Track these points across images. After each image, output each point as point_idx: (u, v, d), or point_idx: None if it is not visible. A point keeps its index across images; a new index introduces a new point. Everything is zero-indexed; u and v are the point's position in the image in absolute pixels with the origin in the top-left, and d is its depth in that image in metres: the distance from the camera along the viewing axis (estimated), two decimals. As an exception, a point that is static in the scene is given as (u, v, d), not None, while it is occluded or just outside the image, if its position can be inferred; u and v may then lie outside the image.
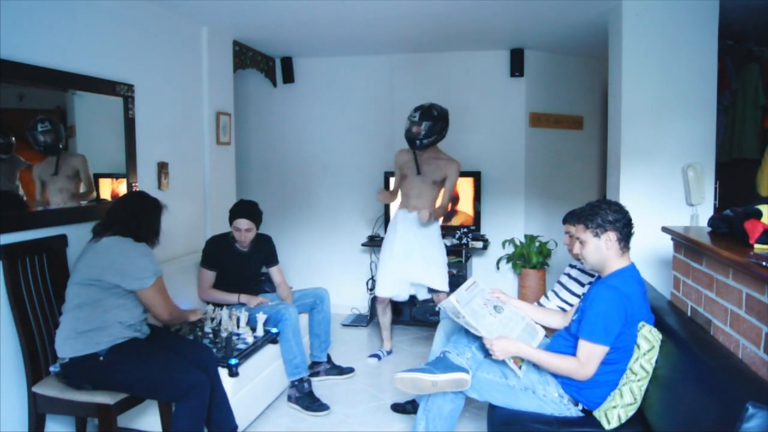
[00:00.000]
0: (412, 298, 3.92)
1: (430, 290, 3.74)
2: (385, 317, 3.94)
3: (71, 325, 2.24)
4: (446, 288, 3.67)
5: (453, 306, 2.17)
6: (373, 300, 4.70)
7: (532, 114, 4.69)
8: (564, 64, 4.81)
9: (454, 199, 4.62)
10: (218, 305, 3.18)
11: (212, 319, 3.04)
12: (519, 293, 4.53)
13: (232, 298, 3.22)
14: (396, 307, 4.36)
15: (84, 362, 2.22)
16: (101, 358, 2.22)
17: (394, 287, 3.72)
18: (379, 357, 3.87)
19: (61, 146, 2.75)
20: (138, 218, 2.37)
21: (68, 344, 2.23)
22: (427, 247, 3.68)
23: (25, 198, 2.57)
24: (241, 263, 3.31)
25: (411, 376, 2.14)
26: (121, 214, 2.36)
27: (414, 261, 3.65)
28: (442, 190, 3.72)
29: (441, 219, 3.86)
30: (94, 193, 2.95)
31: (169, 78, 3.47)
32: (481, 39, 4.30)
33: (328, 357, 3.56)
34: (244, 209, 3.24)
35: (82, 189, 2.87)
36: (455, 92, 4.71)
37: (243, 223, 3.18)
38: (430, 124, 3.55)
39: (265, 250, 3.42)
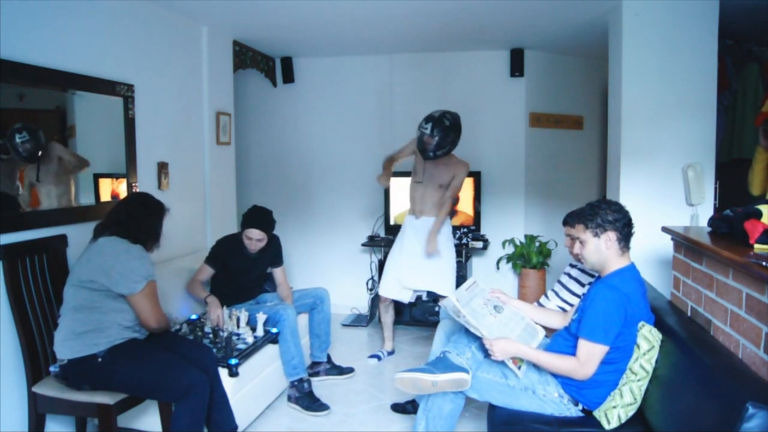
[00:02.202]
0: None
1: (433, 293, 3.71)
2: (387, 316, 3.94)
3: (69, 326, 2.24)
4: (451, 294, 3.62)
5: (453, 305, 2.17)
6: (374, 299, 4.71)
7: (532, 114, 4.69)
8: (564, 64, 4.81)
9: (454, 199, 4.62)
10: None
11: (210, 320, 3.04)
12: (519, 293, 4.53)
13: (203, 295, 3.16)
14: (396, 307, 4.36)
15: (82, 363, 2.21)
16: (100, 359, 2.22)
17: (396, 291, 3.72)
18: (379, 357, 3.87)
19: (40, 154, 2.66)
20: (138, 219, 2.35)
21: (66, 346, 2.23)
22: (434, 255, 3.59)
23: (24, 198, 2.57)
24: (248, 265, 3.30)
25: (411, 376, 2.14)
26: (121, 215, 2.35)
27: (419, 270, 3.61)
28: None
29: (449, 220, 3.78)
30: (87, 168, 2.89)
31: (169, 78, 3.47)
32: (481, 39, 4.30)
33: (328, 357, 3.56)
34: (258, 220, 3.16)
35: (72, 170, 2.81)
36: (455, 92, 4.71)
37: (255, 233, 3.14)
38: (442, 135, 3.43)
39: (272, 252, 3.40)
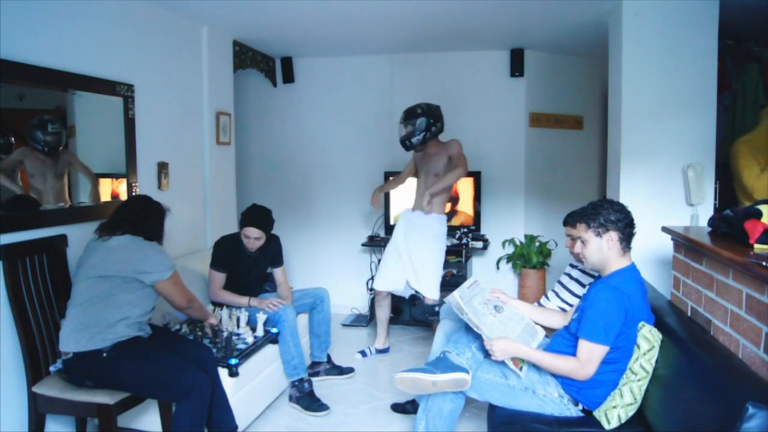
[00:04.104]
0: (413, 297, 3.92)
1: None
2: (381, 311, 3.96)
3: (79, 318, 2.26)
4: (435, 296, 3.61)
5: (457, 302, 2.18)
6: (374, 299, 4.71)
7: (532, 114, 4.69)
8: (564, 64, 4.81)
9: (454, 199, 4.62)
10: (218, 305, 3.18)
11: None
12: (519, 293, 4.53)
13: (242, 300, 3.18)
14: (396, 306, 4.36)
15: (87, 358, 2.23)
16: (104, 355, 2.23)
17: (392, 282, 3.77)
18: (364, 354, 3.91)
19: (61, 149, 2.74)
20: (143, 220, 2.41)
21: (73, 338, 2.24)
22: (422, 252, 3.65)
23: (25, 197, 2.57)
24: (248, 265, 3.29)
25: (411, 376, 2.14)
26: (128, 215, 2.40)
27: (408, 266, 3.69)
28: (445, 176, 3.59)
29: (444, 219, 3.75)
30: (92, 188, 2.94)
31: (169, 78, 3.47)
32: (481, 39, 4.30)
33: (328, 357, 3.56)
34: (257, 218, 3.16)
35: (81, 185, 2.86)
36: (455, 92, 4.71)
37: (253, 232, 3.14)
38: (415, 123, 3.59)
39: (272, 251, 3.39)
